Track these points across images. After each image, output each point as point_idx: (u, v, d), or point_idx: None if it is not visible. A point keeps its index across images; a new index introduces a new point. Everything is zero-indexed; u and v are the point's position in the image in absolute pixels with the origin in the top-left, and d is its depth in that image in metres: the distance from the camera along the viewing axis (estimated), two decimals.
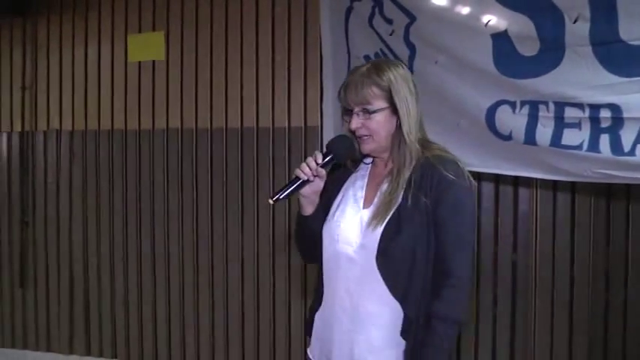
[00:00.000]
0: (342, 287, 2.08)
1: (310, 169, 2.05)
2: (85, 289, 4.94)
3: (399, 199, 2.02)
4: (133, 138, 4.76)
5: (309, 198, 2.14)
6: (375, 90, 2.05)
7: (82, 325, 4.97)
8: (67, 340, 5.01)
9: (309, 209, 2.17)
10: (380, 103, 2.05)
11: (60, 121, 4.99)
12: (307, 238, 2.23)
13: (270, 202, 2.04)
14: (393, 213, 2.01)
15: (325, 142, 4.04)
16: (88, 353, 4.95)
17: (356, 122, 2.07)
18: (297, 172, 2.06)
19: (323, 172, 2.08)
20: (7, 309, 5.18)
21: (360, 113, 2.07)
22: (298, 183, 2.06)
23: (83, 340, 4.97)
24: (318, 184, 2.11)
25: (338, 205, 2.17)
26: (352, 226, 2.09)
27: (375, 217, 2.03)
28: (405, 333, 2.01)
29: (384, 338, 2.03)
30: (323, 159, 2.08)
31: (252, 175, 4.45)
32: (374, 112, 2.05)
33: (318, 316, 2.24)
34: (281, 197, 2.04)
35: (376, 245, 2.00)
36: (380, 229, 2.00)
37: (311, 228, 2.19)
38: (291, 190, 2.06)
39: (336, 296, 2.11)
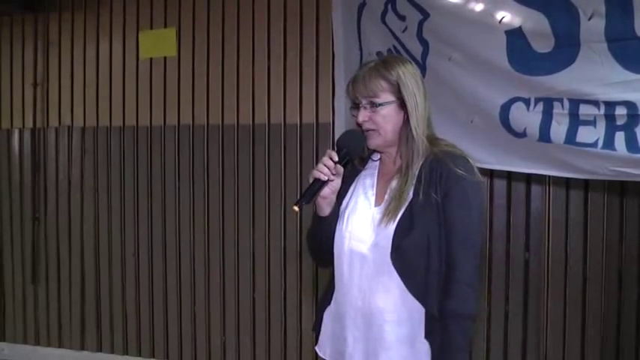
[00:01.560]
0: (354, 285, 2.07)
1: (328, 168, 2.02)
2: (97, 286, 4.95)
3: (410, 195, 2.01)
4: (145, 134, 4.77)
5: (327, 199, 2.09)
6: (383, 83, 2.05)
7: (93, 321, 4.98)
8: (78, 336, 5.03)
9: (327, 210, 2.12)
10: (387, 97, 2.06)
11: (71, 117, 5.00)
12: (324, 239, 2.17)
13: (295, 209, 2.00)
14: (405, 209, 2.00)
15: (337, 139, 4.07)
16: (100, 349, 4.97)
17: (363, 115, 2.07)
18: (316, 174, 2.02)
19: (341, 169, 2.06)
20: (19, 305, 5.20)
21: (368, 106, 2.07)
22: (319, 185, 2.03)
23: (94, 337, 4.98)
24: (337, 183, 2.08)
25: (347, 204, 2.16)
26: (364, 225, 2.08)
27: (387, 214, 2.02)
28: (428, 334, 1.99)
29: (398, 335, 2.02)
30: (338, 156, 2.05)
31: (264, 171, 4.45)
32: (380, 105, 2.05)
33: (327, 314, 2.23)
34: (305, 203, 2.01)
35: (390, 242, 1.99)
36: (393, 226, 1.99)
37: (329, 229, 2.15)
38: (314, 194, 2.03)
39: (348, 294, 2.10)
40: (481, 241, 2.10)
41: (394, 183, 2.09)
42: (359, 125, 2.10)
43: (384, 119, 2.06)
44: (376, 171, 2.20)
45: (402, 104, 2.06)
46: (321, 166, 2.02)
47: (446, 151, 2.07)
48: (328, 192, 2.07)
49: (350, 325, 2.10)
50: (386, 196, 2.09)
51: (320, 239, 2.19)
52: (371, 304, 2.03)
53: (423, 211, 1.98)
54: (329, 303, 2.22)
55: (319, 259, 2.35)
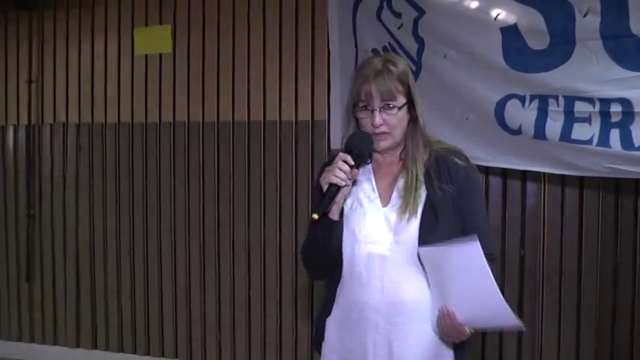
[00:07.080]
0: (376, 289, 2.03)
1: (345, 173, 1.95)
2: (92, 283, 4.94)
3: (425, 191, 2.03)
4: (140, 131, 4.75)
5: (339, 203, 2.03)
6: (398, 85, 2.02)
7: (88, 318, 4.97)
8: (73, 333, 5.01)
9: (337, 214, 2.05)
10: (402, 99, 2.03)
11: (66, 114, 4.98)
12: (330, 246, 2.08)
13: (315, 217, 1.93)
14: (425, 204, 2.01)
15: (332, 136, 4.08)
16: (95, 347, 4.96)
17: (379, 119, 2.01)
18: (334, 179, 1.94)
19: (357, 172, 2.02)
20: (14, 303, 5.18)
21: (383, 109, 2.01)
22: (335, 190, 1.96)
23: (89, 334, 4.97)
24: (350, 186, 2.03)
25: (350, 208, 2.10)
26: (378, 226, 2.05)
27: (405, 211, 2.00)
28: None
29: (424, 332, 2.03)
30: (352, 159, 1.98)
31: (259, 168, 4.44)
32: (399, 107, 2.02)
33: (331, 325, 2.16)
34: (323, 210, 1.96)
35: (415, 239, 1.98)
36: (415, 222, 1.99)
37: (337, 233, 2.07)
38: (331, 199, 1.97)
39: (367, 298, 2.04)
40: None
41: (401, 182, 2.07)
42: (374, 127, 2.03)
43: (398, 121, 2.04)
44: (371, 174, 2.15)
45: (410, 105, 2.05)
46: (337, 171, 1.95)
47: (444, 147, 2.13)
48: (340, 196, 2.01)
49: (371, 331, 2.05)
50: (393, 195, 2.07)
51: (325, 246, 2.09)
52: (396, 303, 2.01)
53: (443, 205, 2.02)
54: (329, 314, 2.16)
55: (317, 272, 2.32)
